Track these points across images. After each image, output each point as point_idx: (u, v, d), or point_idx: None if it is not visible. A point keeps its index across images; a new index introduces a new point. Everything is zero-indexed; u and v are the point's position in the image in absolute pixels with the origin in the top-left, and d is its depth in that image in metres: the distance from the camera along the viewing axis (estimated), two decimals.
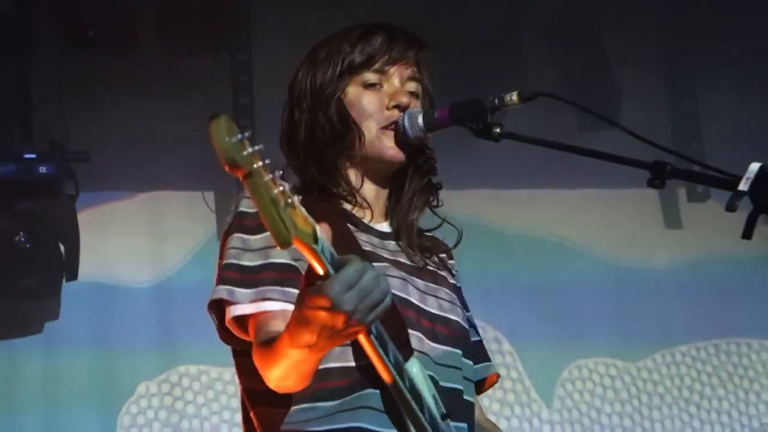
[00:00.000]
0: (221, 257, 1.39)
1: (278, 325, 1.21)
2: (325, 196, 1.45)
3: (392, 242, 1.49)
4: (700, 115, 4.77)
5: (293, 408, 1.32)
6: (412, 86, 1.50)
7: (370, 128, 1.44)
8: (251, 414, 1.41)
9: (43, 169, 3.87)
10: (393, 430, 1.30)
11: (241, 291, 1.30)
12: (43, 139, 4.07)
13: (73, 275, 4.15)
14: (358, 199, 1.47)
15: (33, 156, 3.93)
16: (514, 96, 1.41)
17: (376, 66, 1.47)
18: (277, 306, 1.28)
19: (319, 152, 1.46)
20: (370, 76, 1.47)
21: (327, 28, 1.61)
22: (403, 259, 1.46)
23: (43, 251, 4.02)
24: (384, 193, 1.52)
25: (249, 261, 1.33)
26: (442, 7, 4.36)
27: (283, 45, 4.05)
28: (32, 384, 4.31)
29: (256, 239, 1.34)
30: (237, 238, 1.36)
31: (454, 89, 2.17)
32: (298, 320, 1.08)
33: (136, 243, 4.58)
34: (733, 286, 4.83)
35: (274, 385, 1.25)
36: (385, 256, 1.43)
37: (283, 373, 1.21)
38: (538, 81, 4.45)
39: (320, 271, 1.02)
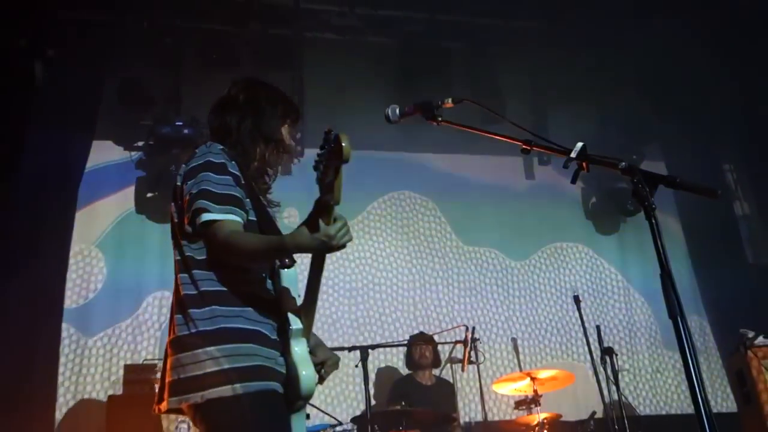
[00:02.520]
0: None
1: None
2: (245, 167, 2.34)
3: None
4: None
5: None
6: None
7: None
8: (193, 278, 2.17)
9: (186, 131, 5.94)
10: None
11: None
12: (187, 114, 6.05)
13: None
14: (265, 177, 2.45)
15: (180, 123, 5.98)
16: (450, 100, 2.73)
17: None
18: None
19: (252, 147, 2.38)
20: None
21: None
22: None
23: None
24: None
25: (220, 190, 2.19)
26: None
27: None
28: None
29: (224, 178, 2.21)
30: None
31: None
32: (309, 236, 1.97)
33: None
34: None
35: (248, 261, 2.17)
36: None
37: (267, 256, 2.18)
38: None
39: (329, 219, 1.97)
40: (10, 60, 4.93)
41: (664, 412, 6.85)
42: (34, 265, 5.22)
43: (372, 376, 5.71)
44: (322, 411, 5.04)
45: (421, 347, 5.72)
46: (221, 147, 2.31)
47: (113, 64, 5.86)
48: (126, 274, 6.25)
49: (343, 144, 1.89)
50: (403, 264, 7.00)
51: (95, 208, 6.31)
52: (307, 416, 2.35)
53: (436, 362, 5.84)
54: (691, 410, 5.90)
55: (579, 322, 6.02)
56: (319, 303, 6.86)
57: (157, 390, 2.24)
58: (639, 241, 7.36)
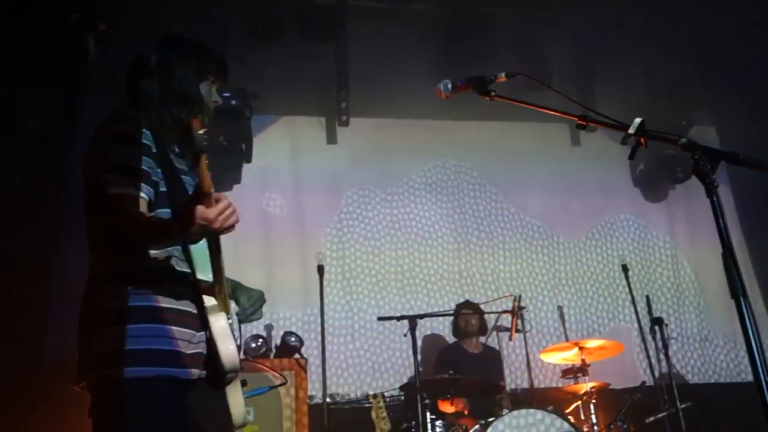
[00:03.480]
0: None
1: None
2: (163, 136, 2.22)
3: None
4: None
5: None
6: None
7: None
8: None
9: (233, 102, 5.92)
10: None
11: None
12: (234, 85, 6.05)
13: (248, 160, 6.35)
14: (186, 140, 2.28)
15: (228, 94, 5.90)
16: (503, 74, 2.72)
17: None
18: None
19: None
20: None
21: None
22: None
23: (232, 146, 6.17)
24: None
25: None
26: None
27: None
28: None
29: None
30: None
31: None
32: (188, 222, 1.83)
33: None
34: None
35: (142, 243, 2.04)
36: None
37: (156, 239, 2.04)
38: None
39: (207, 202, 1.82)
40: (64, 35, 5.01)
41: (713, 381, 6.80)
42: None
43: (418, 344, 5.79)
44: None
45: (467, 316, 5.77)
46: (134, 114, 2.20)
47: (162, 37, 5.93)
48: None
49: (194, 135, 1.97)
50: (448, 233, 7.01)
51: None
52: (244, 383, 2.31)
53: (483, 330, 5.88)
54: (740, 379, 5.86)
55: (627, 290, 6.02)
56: (367, 271, 6.95)
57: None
58: (688, 210, 7.25)
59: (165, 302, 2.06)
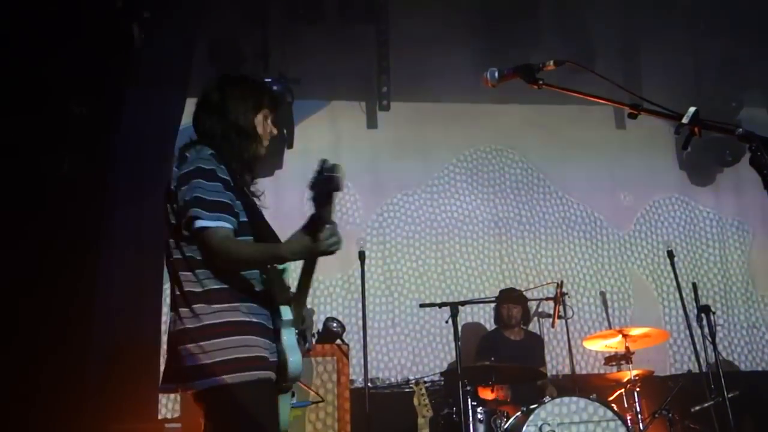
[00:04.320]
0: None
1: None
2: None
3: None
4: None
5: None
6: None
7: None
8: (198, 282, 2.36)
9: (275, 87, 5.81)
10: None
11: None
12: (275, 70, 6.14)
13: (290, 145, 6.43)
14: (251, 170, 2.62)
15: (269, 79, 5.92)
16: (551, 62, 2.66)
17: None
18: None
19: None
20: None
21: None
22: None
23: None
24: None
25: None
26: None
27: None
28: None
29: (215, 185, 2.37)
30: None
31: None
32: (302, 244, 2.25)
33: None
34: None
35: (243, 267, 2.36)
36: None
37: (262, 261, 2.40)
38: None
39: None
40: (109, 21, 5.06)
41: (760, 368, 6.66)
42: (135, 215, 5.43)
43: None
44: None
45: (509, 307, 5.69)
46: (210, 152, 2.44)
47: (204, 23, 5.95)
48: None
49: (338, 175, 2.18)
50: (489, 218, 6.96)
51: None
52: (293, 394, 2.58)
53: (526, 320, 5.82)
54: None
55: (672, 277, 5.91)
56: (407, 257, 6.93)
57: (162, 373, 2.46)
58: (737, 194, 7.08)
59: (254, 317, 2.38)
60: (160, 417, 5.42)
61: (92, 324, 4.79)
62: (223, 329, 2.30)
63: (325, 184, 2.19)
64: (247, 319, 2.36)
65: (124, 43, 5.18)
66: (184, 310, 2.36)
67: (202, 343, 2.29)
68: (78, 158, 4.86)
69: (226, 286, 2.36)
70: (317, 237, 2.23)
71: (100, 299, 4.95)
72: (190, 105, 6.31)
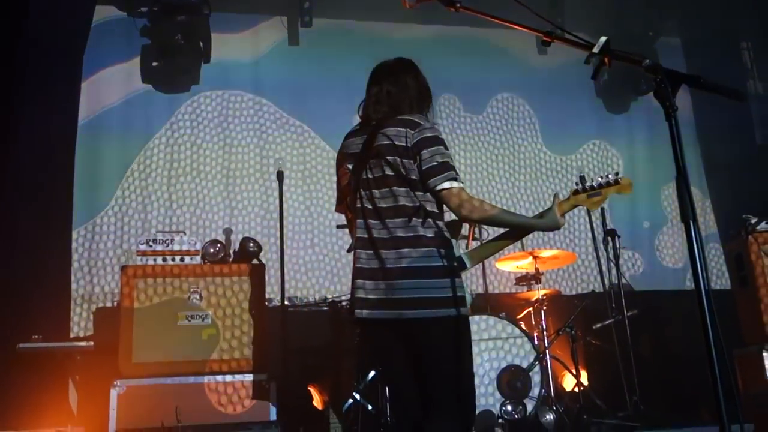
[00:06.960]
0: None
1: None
2: None
3: None
4: None
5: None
6: None
7: None
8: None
9: None
10: None
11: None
12: None
13: (207, 59, 6.28)
14: None
15: None
16: None
17: None
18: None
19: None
20: None
21: None
22: None
23: (189, 45, 6.06)
24: None
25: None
26: None
27: None
28: None
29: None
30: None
31: None
32: (552, 223, 2.75)
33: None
34: None
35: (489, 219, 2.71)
36: None
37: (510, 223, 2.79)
38: None
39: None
40: None
41: (657, 288, 7.05)
42: (41, 132, 5.20)
43: None
44: None
45: None
46: (432, 123, 2.83)
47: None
48: (132, 147, 6.28)
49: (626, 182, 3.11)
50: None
51: (101, 77, 6.26)
52: None
53: None
54: (683, 286, 6.06)
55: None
56: (327, 177, 6.83)
57: (362, 300, 2.67)
58: (648, 125, 7.32)
59: (455, 261, 2.69)
60: (72, 335, 5.36)
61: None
62: (451, 270, 2.63)
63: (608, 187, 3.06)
64: (455, 264, 2.68)
65: None
66: (421, 250, 2.61)
67: (435, 280, 2.60)
68: None
69: (446, 235, 2.68)
70: (561, 215, 2.78)
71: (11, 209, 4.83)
72: (101, 13, 6.08)
